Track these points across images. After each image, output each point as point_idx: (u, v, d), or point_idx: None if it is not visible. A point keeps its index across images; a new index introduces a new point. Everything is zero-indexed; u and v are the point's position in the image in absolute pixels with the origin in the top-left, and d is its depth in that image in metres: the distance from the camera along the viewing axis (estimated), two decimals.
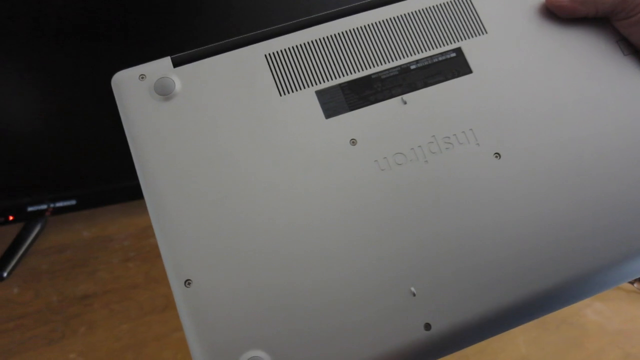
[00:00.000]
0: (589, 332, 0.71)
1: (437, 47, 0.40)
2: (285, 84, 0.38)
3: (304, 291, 0.34)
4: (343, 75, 0.39)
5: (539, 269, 0.36)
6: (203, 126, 0.37)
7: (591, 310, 0.75)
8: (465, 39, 0.40)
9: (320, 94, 0.38)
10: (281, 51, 0.39)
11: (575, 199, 0.38)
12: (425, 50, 0.39)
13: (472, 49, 0.40)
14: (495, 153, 0.38)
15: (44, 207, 0.68)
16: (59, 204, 0.69)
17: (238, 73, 0.38)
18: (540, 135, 0.39)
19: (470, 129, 0.38)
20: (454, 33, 0.40)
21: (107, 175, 0.70)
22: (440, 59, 0.39)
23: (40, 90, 0.63)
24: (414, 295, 0.35)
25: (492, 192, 0.37)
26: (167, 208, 0.36)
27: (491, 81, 0.39)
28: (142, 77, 0.38)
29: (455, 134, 0.38)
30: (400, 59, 0.39)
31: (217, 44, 0.39)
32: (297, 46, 0.39)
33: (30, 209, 0.68)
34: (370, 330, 0.34)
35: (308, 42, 0.39)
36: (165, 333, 0.64)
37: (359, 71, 0.39)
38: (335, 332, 0.34)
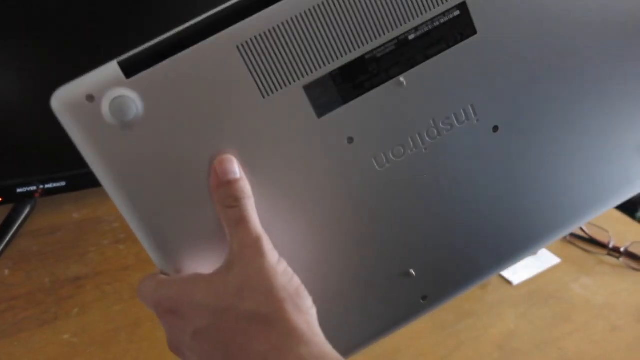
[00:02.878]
0: (575, 306, 0.73)
1: (438, 5, 0.34)
2: (267, 82, 0.32)
3: (315, 282, 0.35)
4: (332, 60, 0.33)
5: (526, 233, 0.41)
6: (178, 151, 0.32)
7: (578, 285, 0.77)
8: None
9: (309, 89, 0.33)
10: (255, 39, 0.31)
11: (569, 168, 0.40)
12: (425, 12, 0.34)
13: (477, 3, 0.35)
14: (494, 126, 0.38)
15: (33, 188, 0.68)
16: (49, 186, 0.69)
17: (209, 76, 0.31)
18: (540, 105, 0.38)
19: (471, 104, 0.37)
20: None
21: None
22: (442, 20, 0.34)
23: (28, 71, 0.62)
24: (413, 275, 0.38)
25: (489, 168, 0.38)
26: (160, 238, 0.34)
27: (495, 42, 0.36)
28: (90, 99, 0.30)
29: (454, 113, 0.36)
30: (396, 27, 0.34)
31: (170, 35, 0.31)
32: (272, 29, 0.32)
33: (19, 190, 0.67)
34: (376, 307, 0.38)
35: (285, 22, 0.32)
36: None
37: (350, 51, 0.33)
38: (345, 311, 0.37)
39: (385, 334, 0.40)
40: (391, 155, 0.36)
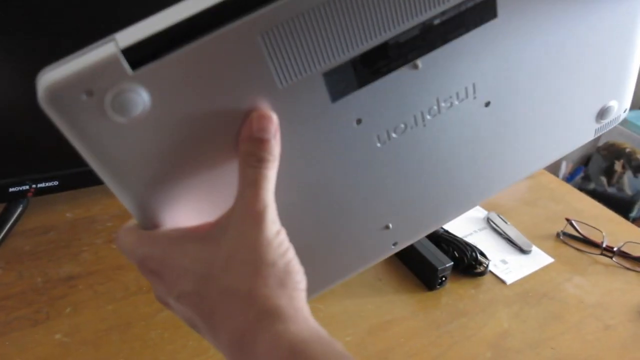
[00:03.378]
0: (569, 305, 0.73)
1: None
2: (286, 71, 0.30)
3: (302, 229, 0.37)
4: (357, 47, 0.31)
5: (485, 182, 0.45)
6: (187, 140, 0.30)
7: (571, 284, 0.77)
8: None
9: (328, 75, 0.32)
10: (281, 27, 0.28)
11: (538, 130, 0.44)
12: None
13: None
14: (487, 102, 0.39)
15: (26, 187, 0.67)
16: (41, 185, 0.68)
17: (225, 67, 0.29)
18: (528, 80, 0.40)
19: (473, 83, 0.38)
20: None
21: None
22: (469, 5, 0.34)
23: (21, 72, 0.62)
24: (389, 228, 0.42)
25: (472, 135, 0.41)
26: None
27: (511, 26, 0.36)
28: (90, 94, 0.26)
29: (457, 92, 0.37)
30: (425, 12, 0.32)
31: (180, 19, 0.27)
32: (300, 16, 0.29)
33: (12, 189, 0.67)
34: (352, 252, 0.43)
35: (314, 9, 0.29)
36: (151, 313, 0.64)
37: (375, 37, 0.31)
38: (324, 254, 0.41)
39: (352, 274, 0.44)
40: (393, 133, 0.37)
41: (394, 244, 0.44)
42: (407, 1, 0.31)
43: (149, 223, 0.33)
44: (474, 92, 0.38)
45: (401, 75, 0.34)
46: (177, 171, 0.32)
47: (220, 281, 0.30)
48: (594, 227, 0.86)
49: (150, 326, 0.62)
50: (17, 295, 0.64)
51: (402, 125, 0.37)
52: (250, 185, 0.31)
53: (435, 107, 0.37)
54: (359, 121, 0.35)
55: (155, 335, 0.61)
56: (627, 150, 2.06)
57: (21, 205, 0.73)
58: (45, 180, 0.69)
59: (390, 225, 0.42)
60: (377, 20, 0.31)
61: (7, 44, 0.60)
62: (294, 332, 0.29)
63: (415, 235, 0.45)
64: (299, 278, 0.32)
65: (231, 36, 0.28)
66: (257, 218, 0.31)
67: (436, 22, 0.33)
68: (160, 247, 0.32)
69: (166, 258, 0.32)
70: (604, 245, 0.83)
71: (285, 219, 0.33)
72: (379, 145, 0.37)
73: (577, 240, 0.86)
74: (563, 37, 0.40)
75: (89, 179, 0.75)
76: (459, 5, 0.33)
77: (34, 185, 0.68)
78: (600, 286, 0.77)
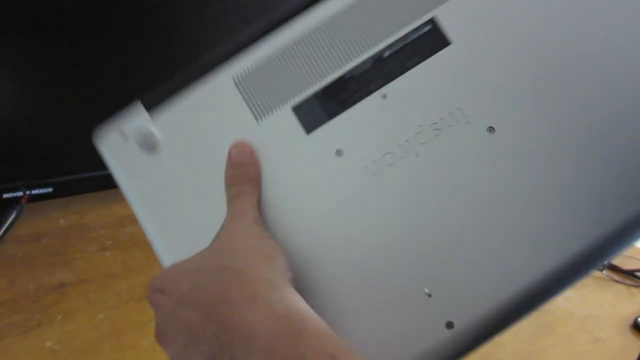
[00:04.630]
0: (559, 317, 0.74)
1: (408, 24, 0.36)
2: (259, 107, 0.37)
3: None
4: (315, 82, 0.37)
5: (549, 246, 0.34)
6: (194, 171, 0.38)
7: (561, 297, 0.77)
8: (439, 4, 0.36)
9: (297, 109, 0.37)
10: (247, 70, 0.37)
11: (576, 165, 0.35)
12: (397, 31, 0.36)
13: (448, 15, 0.36)
14: (489, 127, 0.36)
15: (20, 194, 0.67)
16: (35, 192, 0.68)
17: (210, 107, 0.37)
18: (533, 101, 0.36)
19: (458, 108, 0.36)
20: (425, 1, 0.36)
21: (84, 164, 0.70)
22: (414, 36, 0.36)
23: (16, 77, 0.62)
24: (430, 296, 0.33)
25: (491, 170, 0.35)
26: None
27: (473, 49, 0.36)
28: (124, 137, 0.38)
29: (442, 118, 0.36)
30: (370, 47, 0.36)
31: (184, 73, 0.38)
32: (262, 61, 0.37)
33: (5, 195, 0.67)
34: (390, 340, 0.33)
35: (273, 54, 0.37)
36: (144, 322, 0.64)
37: (330, 73, 0.37)
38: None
39: None
40: (382, 163, 0.36)
41: (448, 324, 0.33)
42: (351, 41, 0.36)
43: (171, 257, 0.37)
44: (465, 117, 0.36)
45: (372, 105, 0.37)
46: (194, 199, 0.38)
47: (212, 265, 0.32)
48: None
49: (142, 335, 0.62)
50: (9, 301, 0.64)
51: (390, 155, 0.36)
52: (232, 199, 0.36)
53: (422, 135, 0.36)
54: (339, 152, 0.36)
55: (147, 344, 0.61)
56: None
57: (15, 212, 0.73)
58: (39, 187, 0.69)
59: (429, 292, 0.33)
60: (327, 59, 0.37)
61: (2, 47, 0.60)
62: (290, 300, 0.30)
63: (475, 312, 0.33)
64: (285, 265, 0.33)
65: (211, 83, 0.37)
66: (242, 217, 0.34)
67: (386, 54, 0.36)
68: (167, 269, 0.34)
69: (168, 271, 0.33)
70: None
71: (298, 265, 0.35)
72: (371, 177, 0.36)
73: None
74: (552, 46, 0.36)
75: (83, 186, 0.76)
76: (404, 37, 0.36)
77: (27, 192, 0.68)
78: (591, 299, 0.78)
